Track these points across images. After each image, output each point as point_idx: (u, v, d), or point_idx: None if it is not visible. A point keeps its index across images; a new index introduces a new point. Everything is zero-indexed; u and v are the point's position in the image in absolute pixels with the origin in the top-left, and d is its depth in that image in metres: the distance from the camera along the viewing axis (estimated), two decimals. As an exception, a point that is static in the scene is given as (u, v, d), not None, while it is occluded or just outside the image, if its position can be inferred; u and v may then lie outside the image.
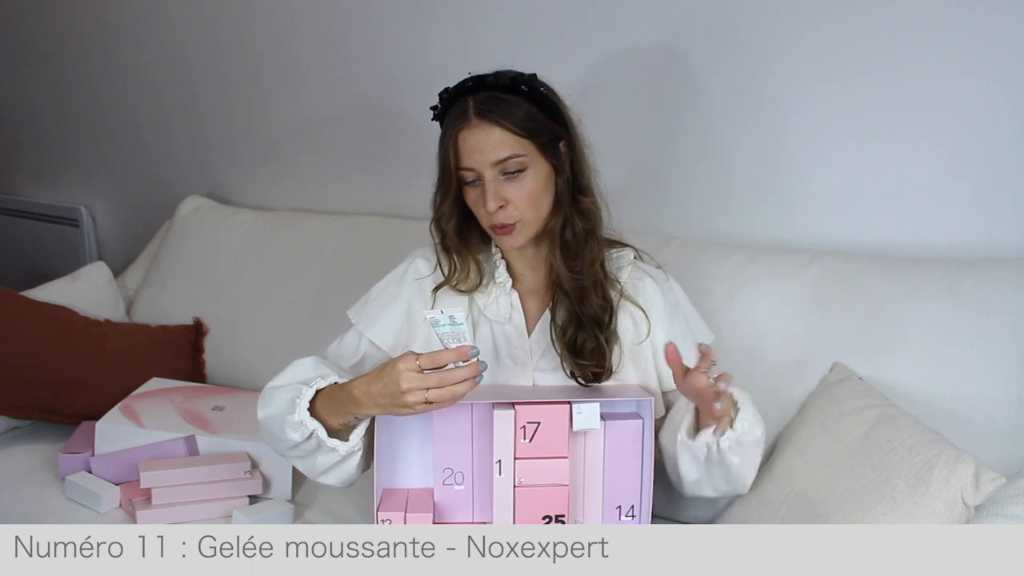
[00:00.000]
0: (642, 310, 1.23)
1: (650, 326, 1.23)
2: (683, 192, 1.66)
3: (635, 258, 1.28)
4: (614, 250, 1.26)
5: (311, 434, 1.12)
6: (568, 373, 1.22)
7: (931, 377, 1.29)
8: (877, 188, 1.48)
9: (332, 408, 1.11)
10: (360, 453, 1.15)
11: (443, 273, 1.24)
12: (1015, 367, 1.25)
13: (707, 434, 1.13)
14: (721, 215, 1.62)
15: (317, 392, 1.13)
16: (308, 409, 1.12)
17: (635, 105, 1.67)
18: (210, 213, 2.16)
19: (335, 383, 1.13)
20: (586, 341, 1.19)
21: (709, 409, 1.08)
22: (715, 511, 1.37)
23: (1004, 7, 1.33)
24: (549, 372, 1.24)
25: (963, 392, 1.26)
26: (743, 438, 1.13)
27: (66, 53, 2.58)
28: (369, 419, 1.14)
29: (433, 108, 1.20)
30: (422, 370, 1.02)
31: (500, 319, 1.23)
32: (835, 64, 1.47)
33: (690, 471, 1.18)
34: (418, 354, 1.03)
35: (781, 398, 1.37)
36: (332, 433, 1.13)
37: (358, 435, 1.13)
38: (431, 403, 1.02)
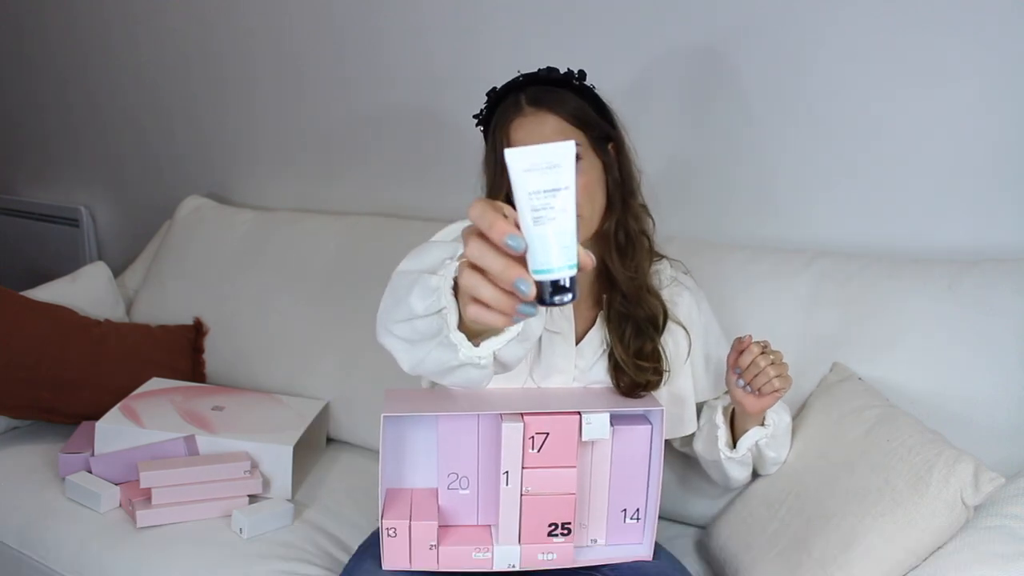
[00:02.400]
0: (684, 328, 1.23)
1: (691, 343, 1.23)
2: (682, 192, 1.66)
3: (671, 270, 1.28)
4: (652, 262, 1.25)
5: (439, 311, 0.79)
6: (618, 384, 1.17)
7: (931, 377, 1.29)
8: (877, 188, 1.48)
9: None
10: (490, 371, 0.83)
11: None
12: (1015, 367, 1.25)
13: (746, 442, 1.22)
14: (721, 215, 1.62)
15: None
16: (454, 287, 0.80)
17: (633, 105, 1.67)
18: (210, 213, 2.17)
19: None
20: (644, 344, 1.17)
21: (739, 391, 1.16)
22: (716, 510, 1.37)
23: (1005, 8, 1.33)
24: (593, 373, 1.20)
25: (963, 392, 1.26)
26: (776, 431, 1.22)
27: (67, 53, 2.59)
28: (510, 338, 0.81)
29: (476, 116, 1.17)
30: (472, 266, 0.69)
31: (553, 328, 1.18)
32: (834, 64, 1.47)
33: (740, 473, 1.27)
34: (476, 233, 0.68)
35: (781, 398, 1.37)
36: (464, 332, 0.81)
37: (490, 348, 0.81)
38: (478, 304, 0.70)
